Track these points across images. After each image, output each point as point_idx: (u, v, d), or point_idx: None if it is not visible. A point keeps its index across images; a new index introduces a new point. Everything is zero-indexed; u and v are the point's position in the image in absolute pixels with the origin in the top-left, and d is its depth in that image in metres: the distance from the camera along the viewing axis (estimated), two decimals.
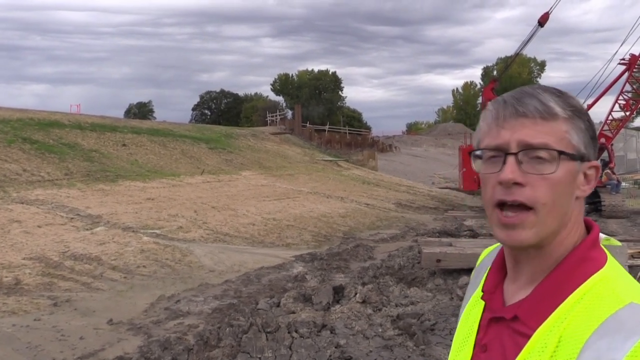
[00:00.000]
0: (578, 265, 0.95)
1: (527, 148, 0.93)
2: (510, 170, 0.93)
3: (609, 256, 0.98)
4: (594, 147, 0.98)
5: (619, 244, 1.03)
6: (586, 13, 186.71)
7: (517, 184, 0.93)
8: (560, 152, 0.93)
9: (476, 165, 1.01)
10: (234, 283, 9.17)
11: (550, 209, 0.93)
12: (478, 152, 1.00)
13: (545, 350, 0.89)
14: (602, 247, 1.00)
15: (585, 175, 0.97)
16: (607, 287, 0.91)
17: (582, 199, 0.99)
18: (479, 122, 1.02)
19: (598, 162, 0.99)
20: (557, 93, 0.97)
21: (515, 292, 1.00)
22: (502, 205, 0.95)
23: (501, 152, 0.95)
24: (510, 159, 0.93)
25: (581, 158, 0.95)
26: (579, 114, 0.96)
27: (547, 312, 0.92)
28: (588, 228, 1.01)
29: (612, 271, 0.95)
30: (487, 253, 1.20)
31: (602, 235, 1.02)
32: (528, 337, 0.92)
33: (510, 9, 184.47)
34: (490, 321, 1.01)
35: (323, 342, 5.65)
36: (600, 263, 0.95)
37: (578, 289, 0.92)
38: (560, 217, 0.94)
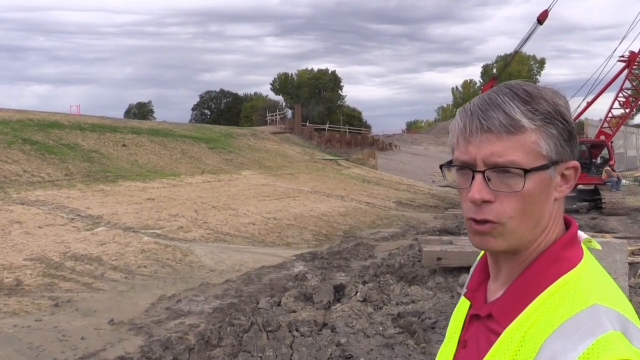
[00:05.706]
0: (550, 265, 0.94)
1: (494, 167, 0.91)
2: (477, 190, 0.92)
3: (586, 255, 0.96)
4: (571, 146, 0.94)
5: (599, 247, 1.01)
6: (589, 10, 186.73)
7: (486, 201, 0.92)
8: (527, 171, 0.90)
9: (450, 176, 0.99)
10: (235, 282, 9.17)
11: (520, 220, 0.92)
12: (448, 164, 1.00)
13: (510, 349, 0.90)
14: (583, 245, 0.98)
15: (563, 175, 0.95)
16: (574, 287, 0.90)
17: (562, 199, 0.97)
18: (450, 131, 1.00)
19: (576, 162, 0.96)
20: (526, 98, 0.92)
21: (495, 291, 1.01)
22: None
23: (469, 169, 0.94)
24: (478, 177, 0.92)
25: (554, 163, 0.93)
26: (550, 119, 0.92)
27: (516, 311, 0.92)
28: (568, 225, 1.00)
29: (585, 271, 0.93)
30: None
31: (583, 235, 1.00)
32: (498, 335, 0.93)
33: (513, 7, 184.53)
34: (472, 318, 1.03)
35: (324, 341, 5.66)
36: (572, 263, 0.94)
37: (547, 289, 0.92)
38: (535, 223, 0.94)
